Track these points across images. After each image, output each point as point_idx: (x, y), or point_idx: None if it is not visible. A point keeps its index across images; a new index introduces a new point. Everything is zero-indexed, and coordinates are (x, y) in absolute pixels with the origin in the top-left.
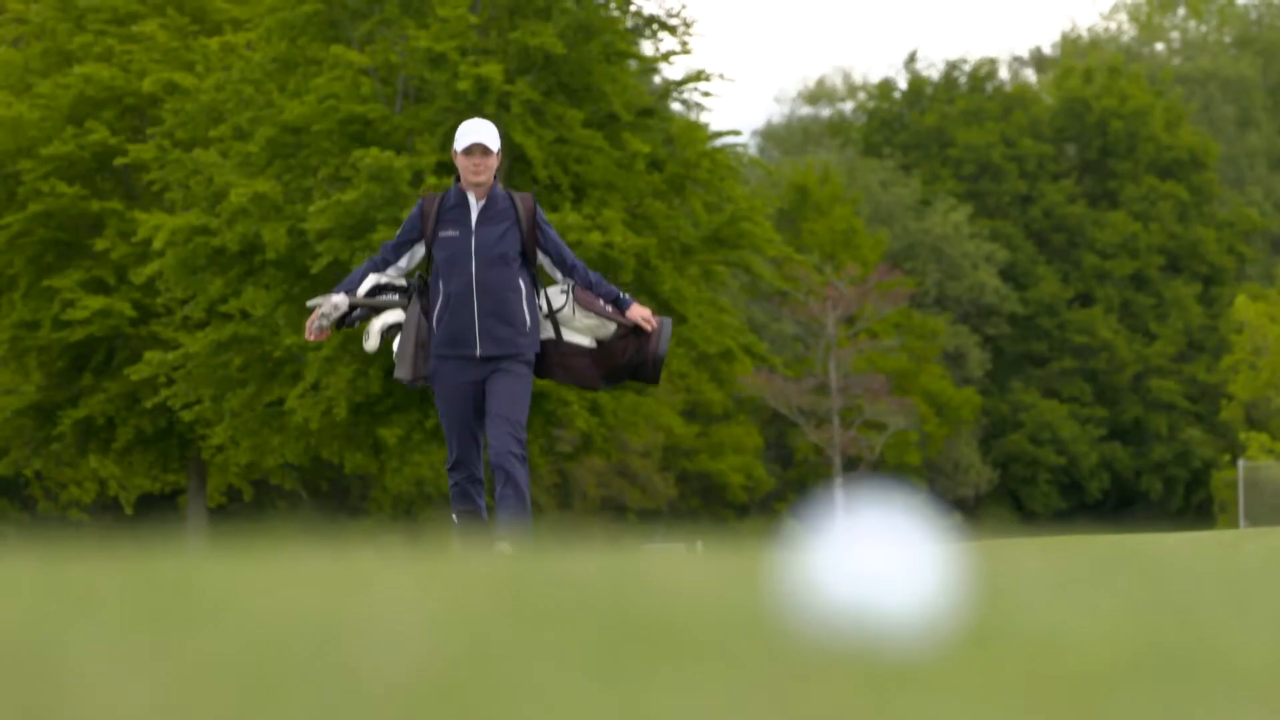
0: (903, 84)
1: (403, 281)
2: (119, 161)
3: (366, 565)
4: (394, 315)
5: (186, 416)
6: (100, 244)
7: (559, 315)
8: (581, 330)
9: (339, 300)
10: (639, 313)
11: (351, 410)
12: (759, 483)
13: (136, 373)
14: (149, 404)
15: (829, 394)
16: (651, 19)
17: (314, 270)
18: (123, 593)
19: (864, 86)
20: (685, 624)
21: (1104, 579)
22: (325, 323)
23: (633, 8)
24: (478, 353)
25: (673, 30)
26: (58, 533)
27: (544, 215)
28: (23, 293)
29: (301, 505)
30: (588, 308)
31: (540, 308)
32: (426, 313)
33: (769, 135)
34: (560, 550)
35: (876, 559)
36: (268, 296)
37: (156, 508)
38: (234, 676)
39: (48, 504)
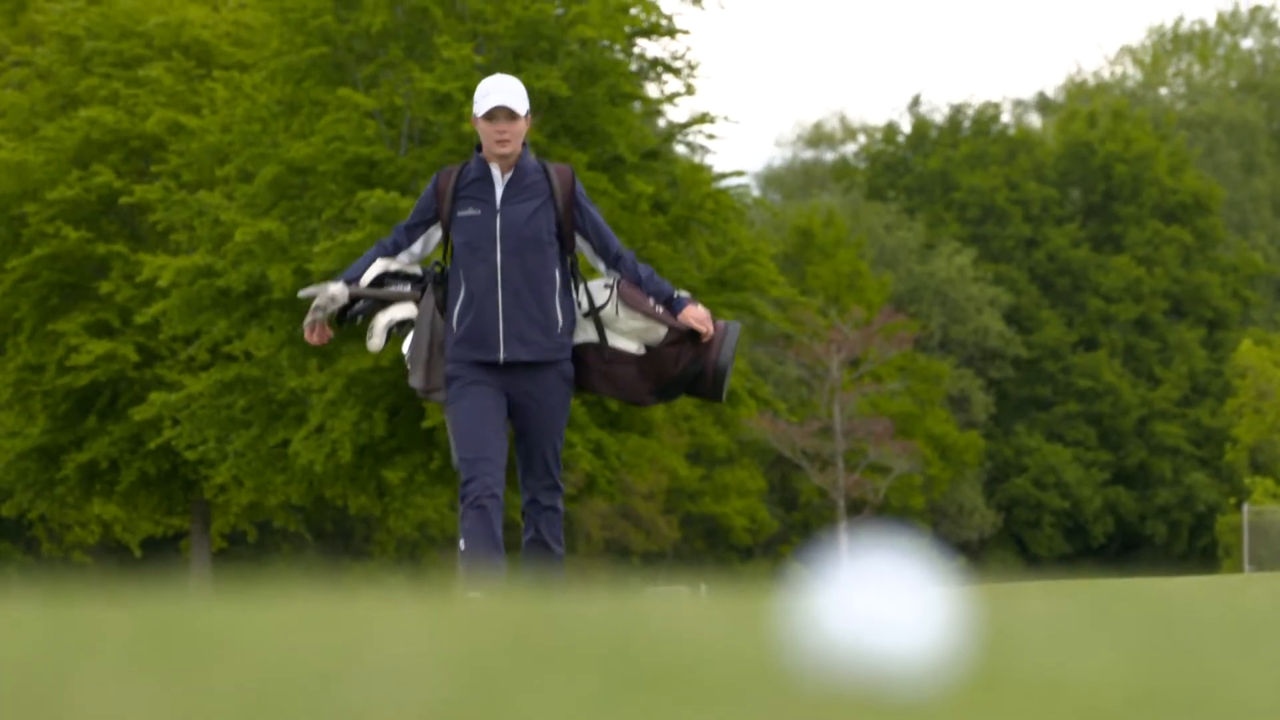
0: (906, 127)
1: (416, 269)
2: (124, 200)
3: (370, 607)
4: (403, 310)
5: (191, 456)
6: (105, 287)
7: (601, 314)
8: (627, 334)
9: (336, 291)
10: (694, 314)
11: (355, 452)
12: (763, 526)
13: (140, 413)
14: (153, 445)
15: (833, 437)
16: (656, 61)
17: None
18: (126, 634)
19: (862, 128)
20: (690, 667)
21: (1108, 622)
22: (321, 316)
23: (637, 50)
24: (501, 358)
25: (677, 72)
26: (61, 575)
27: (585, 192)
28: (28, 336)
29: (305, 548)
30: (634, 307)
31: (579, 304)
32: (442, 307)
33: (770, 179)
34: (564, 593)
35: (881, 602)
36: (271, 338)
37: (160, 551)
38: (238, 718)
39: (51, 546)
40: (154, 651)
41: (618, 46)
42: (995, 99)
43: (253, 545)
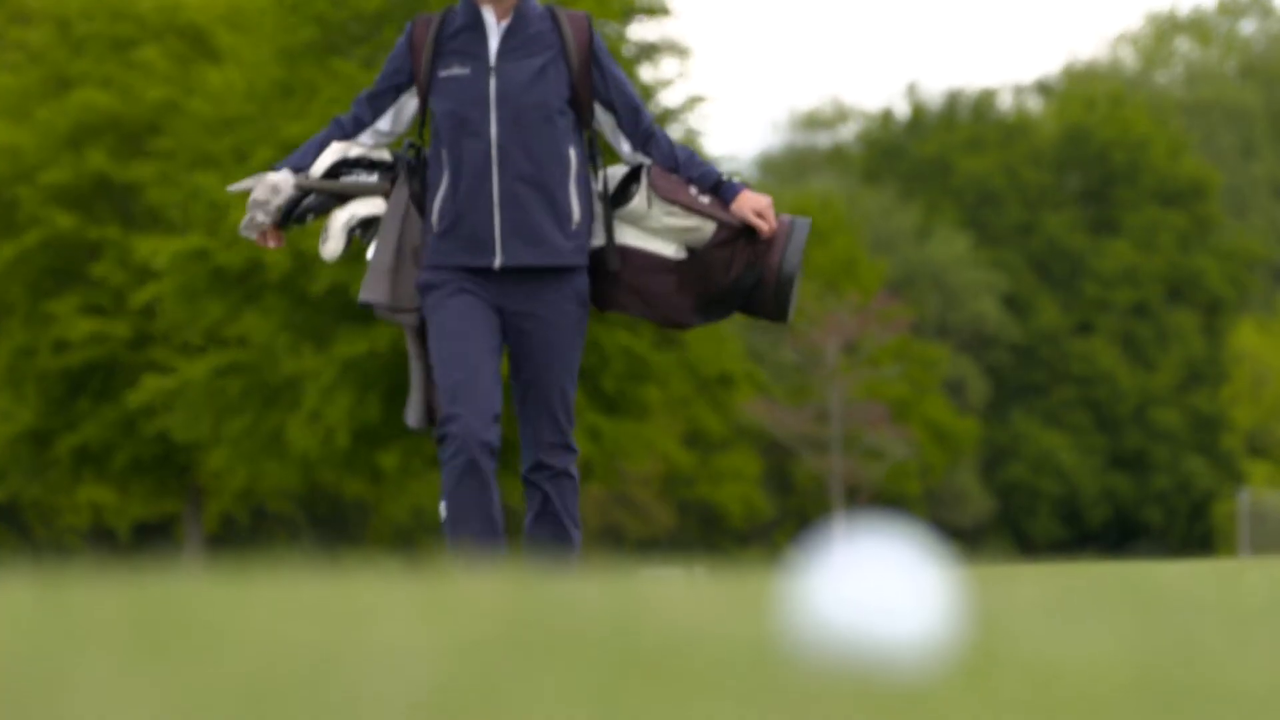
0: (903, 113)
1: (384, 154)
2: (118, 177)
3: (365, 592)
4: (368, 205)
5: (184, 439)
6: (98, 270)
7: (629, 209)
8: (662, 233)
9: (279, 180)
10: (751, 203)
11: (350, 437)
12: (759, 511)
13: (134, 398)
14: (146, 429)
15: (829, 422)
16: (651, 47)
17: (313, 291)
18: (119, 620)
19: (859, 112)
20: (686, 651)
21: (1103, 607)
22: (261, 216)
23: (633, 36)
24: (497, 262)
25: (678, 52)
26: (54, 559)
27: (605, 47)
28: (20, 319)
29: (300, 533)
30: (671, 199)
31: (598, 194)
32: (419, 200)
33: (766, 164)
34: (560, 576)
35: (876, 587)
36: (267, 322)
37: (153, 535)
38: (232, 706)
39: (44, 531)
40: (147, 638)
41: (612, 26)
42: (993, 84)
43: (246, 530)
